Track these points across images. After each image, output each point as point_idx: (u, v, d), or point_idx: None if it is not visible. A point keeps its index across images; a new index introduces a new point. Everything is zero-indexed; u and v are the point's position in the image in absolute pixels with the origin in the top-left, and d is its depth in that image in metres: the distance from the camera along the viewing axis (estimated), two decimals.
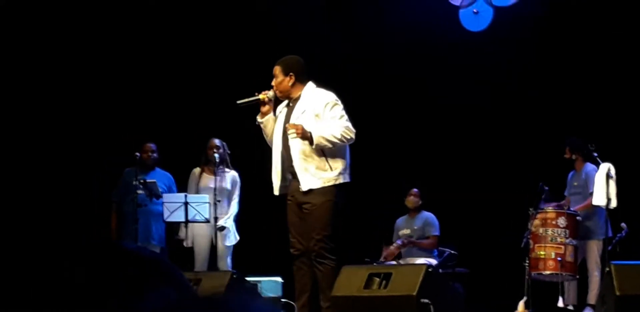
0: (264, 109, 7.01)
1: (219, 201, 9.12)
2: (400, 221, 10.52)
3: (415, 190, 10.45)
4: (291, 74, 6.96)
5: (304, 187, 6.80)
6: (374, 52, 12.01)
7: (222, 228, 9.24)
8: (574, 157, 9.75)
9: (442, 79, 11.81)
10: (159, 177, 9.78)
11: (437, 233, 10.24)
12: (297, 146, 6.83)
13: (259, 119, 7.03)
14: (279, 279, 10.20)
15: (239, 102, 7.00)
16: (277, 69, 6.99)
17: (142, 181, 9.53)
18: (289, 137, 6.81)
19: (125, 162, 9.98)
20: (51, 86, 11.84)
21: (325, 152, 6.84)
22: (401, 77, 11.93)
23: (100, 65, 11.94)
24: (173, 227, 9.75)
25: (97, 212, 10.24)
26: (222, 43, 12.21)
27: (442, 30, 11.69)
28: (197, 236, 9.37)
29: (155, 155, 9.85)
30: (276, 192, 7.01)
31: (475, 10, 11.39)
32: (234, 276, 7.23)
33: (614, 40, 11.25)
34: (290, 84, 6.96)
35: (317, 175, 6.82)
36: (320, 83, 7.19)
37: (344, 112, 6.91)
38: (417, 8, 11.70)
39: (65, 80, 11.87)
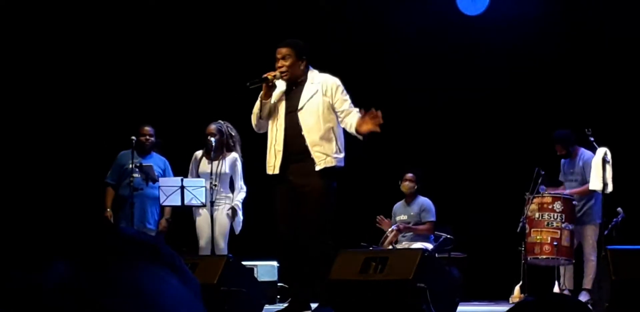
0: (270, 89, 6.99)
1: (215, 186, 9.08)
2: (397, 206, 10.50)
3: (410, 174, 10.40)
4: (304, 58, 7.00)
5: (320, 165, 6.85)
6: (370, 35, 11.99)
7: (234, 211, 9.24)
8: (570, 149, 9.70)
9: (438, 62, 11.81)
10: (155, 161, 9.73)
11: (433, 219, 10.23)
12: (311, 126, 6.90)
13: (264, 99, 6.99)
14: (274, 263, 10.21)
15: (248, 83, 6.95)
16: (289, 51, 6.96)
17: (138, 164, 9.48)
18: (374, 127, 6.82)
19: (120, 145, 9.93)
20: (48, 70, 11.81)
21: (335, 134, 6.95)
22: (396, 60, 11.91)
23: (97, 48, 11.91)
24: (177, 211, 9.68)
25: (91, 194, 10.19)
26: (220, 26, 12.18)
27: (439, 14, 11.67)
28: (199, 219, 9.34)
29: (152, 139, 9.76)
30: (277, 170, 6.97)
31: None
32: (230, 260, 7.23)
33: (612, 23, 11.23)
34: (302, 67, 6.99)
35: (330, 154, 6.90)
36: (318, 64, 7.22)
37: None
38: None
39: (62, 64, 11.84)
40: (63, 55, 11.82)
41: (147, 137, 9.70)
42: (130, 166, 9.55)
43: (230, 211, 9.22)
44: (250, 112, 7.18)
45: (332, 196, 6.97)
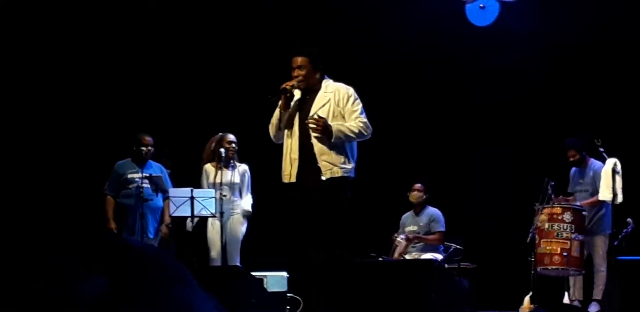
0: (289, 99, 6.97)
1: (224, 196, 9.09)
2: (406, 217, 10.48)
3: (418, 185, 10.37)
4: (320, 66, 7.01)
5: (326, 175, 6.80)
6: (378, 44, 12.00)
7: (248, 212, 9.28)
8: (580, 156, 9.71)
9: (447, 73, 11.82)
10: (154, 170, 9.64)
11: (442, 229, 10.20)
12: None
13: (282, 110, 6.97)
14: (284, 274, 10.20)
15: (269, 96, 6.93)
16: (305, 61, 6.97)
17: (148, 175, 9.46)
18: (311, 131, 6.82)
19: (116, 155, 9.86)
20: (50, 77, 11.82)
21: (345, 144, 6.90)
22: (406, 70, 11.92)
23: (101, 56, 11.93)
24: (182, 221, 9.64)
25: (90, 205, 10.12)
26: (221, 36, 12.20)
27: (448, 25, 11.68)
28: (210, 230, 9.33)
29: (153, 149, 9.69)
30: (293, 178, 6.91)
31: (481, 5, 11.38)
32: (240, 271, 7.23)
33: (619, 33, 11.22)
34: (317, 76, 6.99)
35: (337, 163, 6.84)
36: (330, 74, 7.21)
37: (363, 110, 6.98)
38: (424, 2, 11.71)
39: (64, 72, 11.85)
40: (65, 62, 11.81)
41: (149, 147, 9.61)
42: (130, 175, 9.50)
43: (243, 217, 9.28)
44: (259, 120, 7.18)
45: (343, 207, 6.90)
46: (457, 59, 11.78)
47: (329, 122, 6.84)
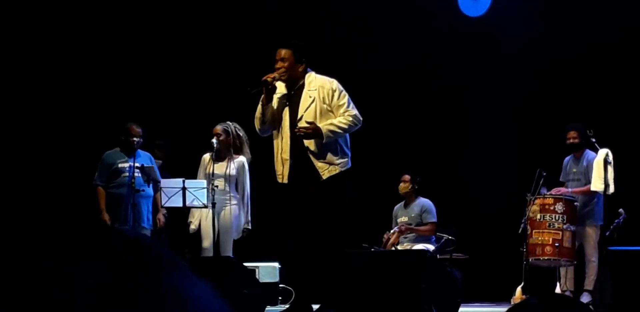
0: (270, 92, 6.89)
1: (216, 187, 9.05)
2: (398, 208, 10.47)
3: (406, 176, 10.33)
4: (303, 60, 6.92)
5: (324, 175, 6.75)
6: (370, 36, 12.00)
7: (247, 230, 9.22)
8: (580, 141, 9.70)
9: (438, 63, 11.82)
10: (144, 159, 9.57)
11: (434, 220, 10.19)
12: None
13: (264, 103, 6.90)
14: (276, 264, 10.22)
15: (249, 88, 6.86)
16: (288, 53, 6.88)
17: (140, 165, 9.41)
18: (299, 134, 6.73)
19: (104, 145, 9.78)
20: (48, 73, 11.80)
21: (337, 139, 6.84)
22: (397, 60, 11.91)
23: (100, 50, 11.91)
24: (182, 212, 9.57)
25: (81, 196, 10.06)
26: (221, 34, 12.19)
27: (441, 15, 11.68)
28: (203, 221, 9.30)
29: (142, 140, 9.58)
30: (285, 179, 6.88)
31: None
32: (232, 262, 7.23)
33: (612, 24, 11.23)
34: (300, 70, 6.91)
35: (333, 161, 6.80)
36: (319, 66, 7.15)
37: (350, 100, 6.90)
38: None
39: (62, 67, 11.83)
40: (64, 59, 11.80)
41: (139, 138, 9.51)
42: (120, 165, 9.44)
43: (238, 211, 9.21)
44: (253, 115, 7.12)
45: (341, 203, 6.85)
46: (448, 49, 11.78)
47: (318, 122, 6.75)
